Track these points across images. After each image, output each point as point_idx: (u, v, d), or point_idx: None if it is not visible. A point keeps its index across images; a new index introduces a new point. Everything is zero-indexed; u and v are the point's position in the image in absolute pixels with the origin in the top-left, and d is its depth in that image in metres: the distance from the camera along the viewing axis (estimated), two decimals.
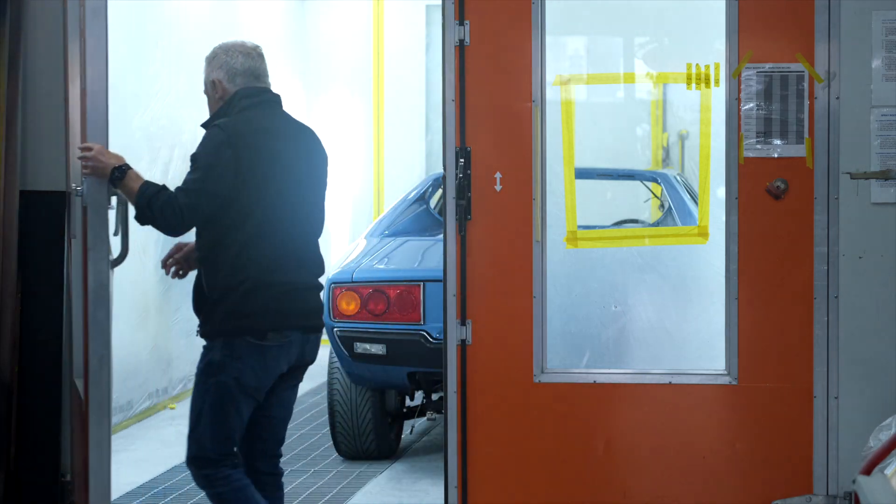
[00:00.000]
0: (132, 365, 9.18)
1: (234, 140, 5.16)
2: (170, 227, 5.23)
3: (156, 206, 5.16)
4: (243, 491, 5.20)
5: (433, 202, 9.00)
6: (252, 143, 5.17)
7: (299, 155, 5.30)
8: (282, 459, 5.56)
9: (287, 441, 8.65)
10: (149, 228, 9.61)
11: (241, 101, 5.28)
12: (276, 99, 5.37)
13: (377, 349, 7.71)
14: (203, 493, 7.38)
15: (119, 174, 5.27)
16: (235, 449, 5.28)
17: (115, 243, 5.78)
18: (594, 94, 9.12)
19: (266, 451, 5.43)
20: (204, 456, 5.21)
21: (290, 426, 9.00)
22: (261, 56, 5.36)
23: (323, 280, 5.42)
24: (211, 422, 5.19)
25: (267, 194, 5.15)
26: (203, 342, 5.30)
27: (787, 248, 5.96)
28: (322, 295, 5.41)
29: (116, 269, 8.89)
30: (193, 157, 5.27)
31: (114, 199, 5.59)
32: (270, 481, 5.46)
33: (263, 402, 5.29)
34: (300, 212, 5.26)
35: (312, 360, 5.39)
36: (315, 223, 5.34)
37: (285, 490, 7.38)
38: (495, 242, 6.01)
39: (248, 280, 5.15)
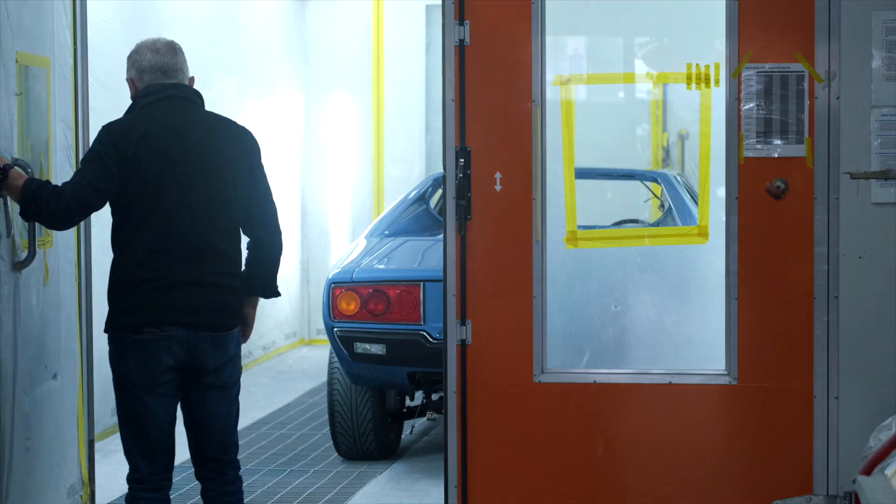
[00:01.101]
0: None
1: (116, 137, 5.15)
2: (56, 219, 5.17)
3: (41, 200, 5.10)
4: None
5: (433, 202, 9.00)
6: (135, 140, 5.14)
7: (199, 151, 5.18)
8: (241, 466, 5.44)
9: (287, 441, 8.67)
10: None
11: (143, 98, 5.26)
12: (183, 94, 5.28)
13: (377, 349, 7.71)
14: None
15: (1, 175, 5.18)
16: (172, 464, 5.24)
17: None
18: (594, 94, 9.12)
19: (205, 457, 5.31)
20: (138, 476, 5.19)
21: (290, 426, 9.06)
22: (172, 51, 5.31)
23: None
24: (129, 430, 5.20)
25: (148, 191, 5.13)
26: None
27: (787, 248, 5.96)
28: (222, 294, 5.20)
29: None
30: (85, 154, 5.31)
31: None
32: (212, 487, 5.33)
33: (187, 403, 5.25)
34: (195, 208, 5.15)
35: (219, 362, 5.20)
36: (218, 220, 5.18)
37: (286, 489, 7.40)
38: (495, 242, 6.01)
39: (125, 275, 5.18)
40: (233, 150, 5.25)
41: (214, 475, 5.34)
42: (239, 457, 7.63)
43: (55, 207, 5.10)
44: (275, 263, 5.38)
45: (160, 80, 5.27)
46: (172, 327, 5.10)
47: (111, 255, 5.39)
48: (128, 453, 5.24)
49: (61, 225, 5.25)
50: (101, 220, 8.56)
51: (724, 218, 6.00)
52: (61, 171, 6.18)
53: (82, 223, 6.38)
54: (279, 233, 5.37)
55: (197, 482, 5.38)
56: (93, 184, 5.13)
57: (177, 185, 5.14)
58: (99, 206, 5.21)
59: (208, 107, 5.50)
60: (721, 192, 6.04)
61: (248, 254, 5.36)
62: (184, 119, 5.24)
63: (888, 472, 3.75)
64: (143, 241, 5.15)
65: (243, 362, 11.51)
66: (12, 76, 5.69)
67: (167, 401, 5.17)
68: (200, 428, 5.26)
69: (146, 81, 5.28)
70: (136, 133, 5.15)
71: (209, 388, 5.21)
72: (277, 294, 5.43)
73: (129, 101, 5.37)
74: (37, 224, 5.72)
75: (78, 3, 6.35)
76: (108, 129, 5.20)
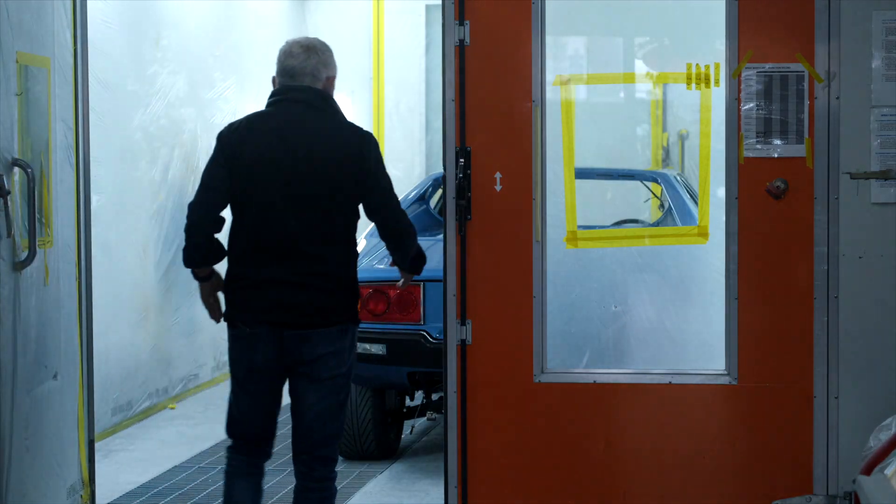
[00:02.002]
0: (132, 365, 9.19)
1: (224, 135, 5.36)
2: (190, 227, 5.39)
3: (186, 226, 5.44)
4: (228, 476, 5.42)
5: (433, 202, 9.00)
6: (238, 139, 5.31)
7: (299, 155, 5.27)
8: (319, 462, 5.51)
9: (287, 441, 8.65)
10: (147, 228, 9.65)
11: (268, 100, 5.45)
12: (299, 97, 5.36)
13: (377, 349, 7.71)
14: (203, 494, 7.40)
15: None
16: (248, 436, 5.46)
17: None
18: (594, 94, 9.11)
19: (297, 449, 5.47)
20: (229, 446, 5.50)
21: (290, 426, 9.04)
22: (306, 53, 5.41)
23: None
24: (228, 404, 5.47)
25: (245, 190, 5.28)
26: None
27: (787, 248, 5.96)
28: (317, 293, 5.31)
29: (117, 269, 8.92)
30: None
31: None
32: (299, 482, 5.47)
33: (290, 392, 5.41)
34: (288, 210, 5.26)
35: (311, 357, 5.30)
36: (312, 223, 5.27)
37: (286, 489, 7.40)
38: (495, 242, 6.01)
39: (227, 271, 5.38)
40: (339, 156, 5.30)
41: (304, 469, 5.45)
42: None
43: (187, 217, 5.37)
44: (405, 249, 5.56)
45: (287, 82, 5.39)
46: (258, 325, 5.27)
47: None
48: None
49: (197, 231, 5.37)
50: (101, 220, 8.58)
51: (724, 218, 6.00)
52: (61, 171, 6.18)
53: (83, 223, 6.38)
54: (401, 224, 5.49)
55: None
56: (205, 182, 5.36)
57: (272, 186, 5.25)
58: (219, 202, 5.34)
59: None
60: (721, 192, 6.04)
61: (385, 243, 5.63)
62: (291, 122, 5.33)
63: (888, 472, 3.75)
64: (241, 239, 5.32)
65: None
66: (12, 76, 5.69)
67: (262, 394, 5.36)
68: (295, 418, 5.42)
69: (277, 84, 5.45)
70: (243, 132, 5.33)
71: (304, 378, 5.34)
72: (417, 272, 5.66)
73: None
74: (37, 224, 5.74)
75: (78, 3, 6.35)
76: (225, 128, 5.43)
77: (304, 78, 5.37)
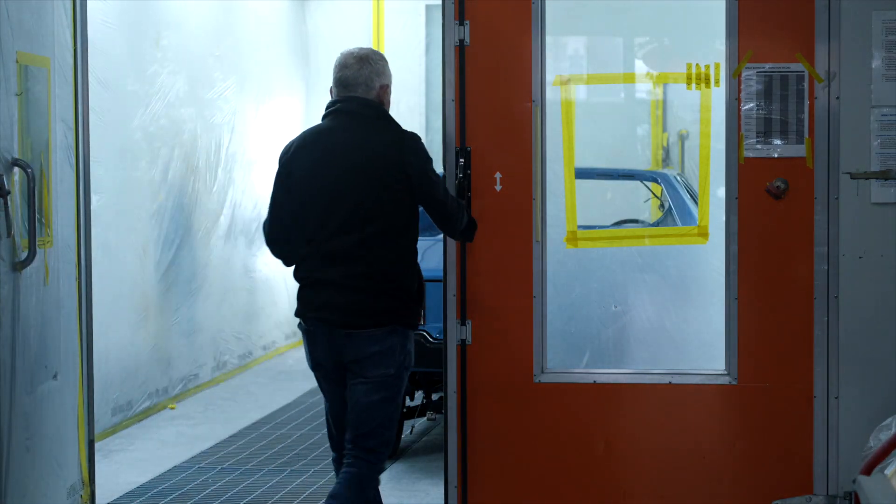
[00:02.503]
0: (132, 365, 9.19)
1: (282, 157, 5.64)
2: (265, 239, 5.76)
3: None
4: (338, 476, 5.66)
5: None
6: (292, 152, 5.60)
7: (346, 164, 5.51)
8: (352, 454, 5.61)
9: (287, 441, 8.68)
10: (147, 228, 9.65)
11: (323, 112, 5.68)
12: (348, 108, 5.58)
13: None
14: (203, 494, 7.41)
15: None
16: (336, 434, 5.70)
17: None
18: (594, 94, 9.11)
19: (348, 437, 5.60)
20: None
21: (290, 426, 9.06)
22: (360, 63, 5.61)
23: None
24: None
25: (301, 202, 5.56)
26: None
27: (787, 248, 5.96)
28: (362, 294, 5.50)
29: (116, 269, 8.92)
30: None
31: None
32: (344, 469, 5.59)
33: (347, 390, 5.62)
34: (336, 216, 5.50)
35: (357, 357, 5.50)
36: (359, 227, 5.48)
37: (286, 489, 7.40)
38: (495, 242, 6.01)
39: (295, 273, 5.69)
40: (381, 164, 5.51)
41: (354, 452, 5.59)
42: (239, 457, 7.64)
43: (264, 234, 5.74)
44: (452, 232, 5.75)
45: (342, 93, 5.63)
46: (314, 323, 5.55)
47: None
48: None
49: (272, 247, 5.74)
50: (101, 221, 8.58)
51: (724, 218, 6.00)
52: (61, 171, 6.19)
53: (83, 223, 6.39)
54: (452, 218, 5.66)
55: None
56: (271, 199, 5.67)
57: (321, 194, 5.51)
58: (284, 217, 5.62)
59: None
60: (721, 192, 6.04)
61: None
62: (337, 134, 5.56)
63: (888, 472, 3.75)
64: (301, 244, 5.59)
65: (243, 362, 11.54)
66: (12, 76, 5.70)
67: (333, 389, 5.63)
68: (347, 412, 5.60)
69: (333, 96, 5.67)
70: (296, 145, 5.61)
71: (354, 377, 5.55)
72: (469, 240, 5.93)
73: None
74: (37, 224, 5.76)
75: (78, 3, 6.35)
76: (283, 147, 5.70)
77: (357, 88, 5.60)
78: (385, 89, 5.62)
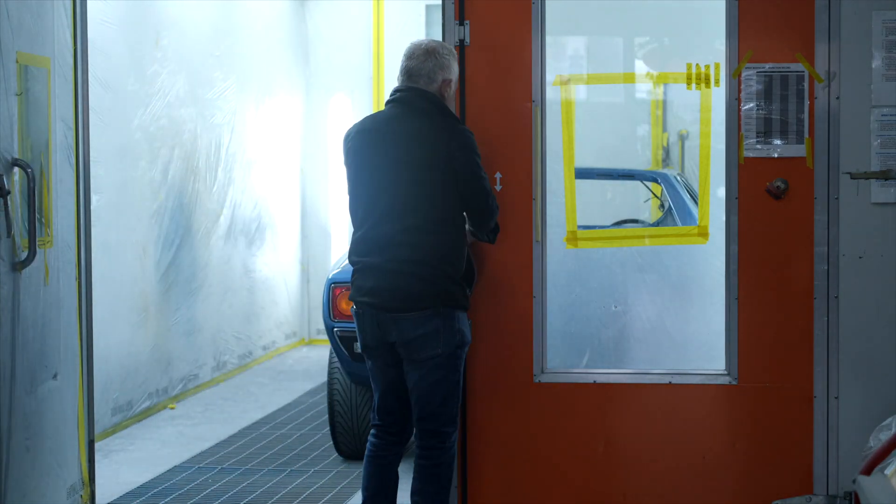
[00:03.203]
0: (132, 365, 9.19)
1: (346, 135, 5.83)
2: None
3: None
4: (367, 457, 5.86)
5: None
6: (350, 138, 5.80)
7: (393, 152, 5.68)
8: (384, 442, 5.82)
9: (287, 441, 8.67)
10: (147, 228, 9.65)
11: (386, 98, 5.88)
12: (404, 98, 5.75)
13: None
14: (203, 494, 7.40)
15: None
16: (385, 416, 5.84)
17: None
18: (594, 94, 9.12)
19: (414, 419, 5.80)
20: (374, 421, 5.93)
21: (290, 426, 9.06)
22: (425, 55, 5.75)
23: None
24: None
25: (352, 184, 5.78)
26: None
27: (787, 248, 5.96)
28: (411, 279, 5.64)
29: (116, 269, 8.92)
30: None
31: None
32: (417, 452, 5.80)
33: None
34: (382, 202, 5.68)
35: (405, 339, 5.65)
36: (403, 214, 5.64)
37: (286, 489, 7.40)
38: (495, 242, 6.00)
39: (349, 257, 5.84)
40: (426, 154, 5.66)
41: (419, 441, 5.79)
42: (239, 457, 7.63)
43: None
44: (482, 228, 5.80)
45: (405, 83, 5.78)
46: (362, 307, 5.72)
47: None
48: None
49: (356, 231, 5.85)
50: (101, 221, 8.58)
51: (724, 218, 6.00)
52: (61, 171, 6.19)
53: (83, 223, 6.39)
54: (486, 221, 5.76)
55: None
56: (347, 179, 5.85)
57: (370, 180, 5.71)
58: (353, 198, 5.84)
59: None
60: (721, 192, 6.04)
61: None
62: (392, 121, 5.74)
63: (888, 472, 3.75)
64: (354, 230, 5.80)
65: (243, 362, 11.53)
66: (12, 76, 5.69)
67: (382, 369, 5.79)
68: (409, 395, 5.78)
69: (398, 83, 5.83)
70: (353, 131, 5.80)
71: (406, 360, 5.72)
72: (491, 242, 5.92)
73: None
74: (37, 224, 5.76)
75: (78, 3, 6.35)
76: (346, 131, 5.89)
77: (419, 79, 5.74)
78: (447, 84, 5.76)
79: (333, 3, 13.10)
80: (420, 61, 5.73)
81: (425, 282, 5.63)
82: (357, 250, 5.75)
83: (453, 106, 5.89)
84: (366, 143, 5.73)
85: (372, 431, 5.88)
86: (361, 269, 5.72)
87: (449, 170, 5.61)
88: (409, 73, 5.75)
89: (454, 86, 5.79)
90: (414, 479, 5.77)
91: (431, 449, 5.73)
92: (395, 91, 5.78)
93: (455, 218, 5.68)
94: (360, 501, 5.88)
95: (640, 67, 7.45)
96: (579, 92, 6.29)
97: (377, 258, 5.67)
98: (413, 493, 5.76)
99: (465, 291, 5.74)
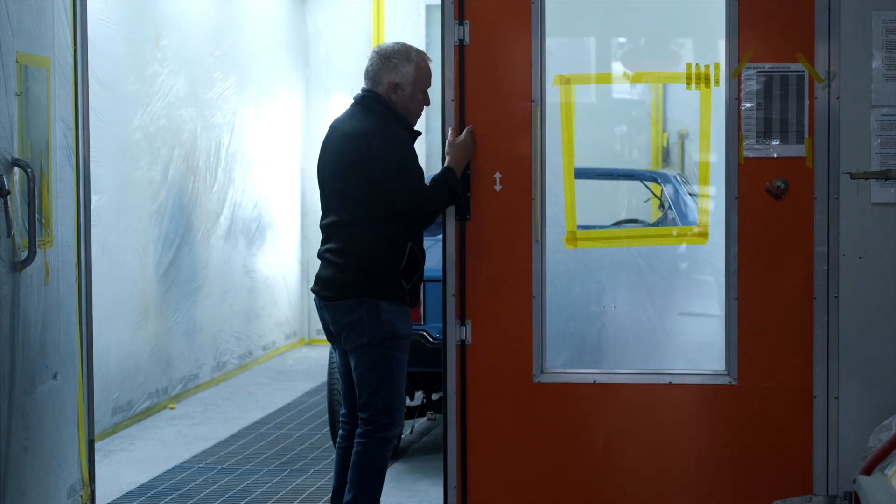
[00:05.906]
0: (132, 365, 9.19)
1: None
2: None
3: None
4: (337, 446, 6.15)
5: None
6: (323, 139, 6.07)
7: (332, 147, 5.94)
8: (366, 435, 5.89)
9: (287, 441, 8.68)
10: (147, 228, 9.64)
11: None
12: (356, 97, 6.01)
13: None
14: (203, 494, 7.41)
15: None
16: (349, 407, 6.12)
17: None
18: (594, 94, 9.12)
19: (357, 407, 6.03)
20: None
21: (290, 426, 9.06)
22: (375, 57, 5.96)
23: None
24: None
25: (318, 181, 6.03)
26: None
27: (787, 248, 5.96)
28: (342, 272, 5.83)
29: (116, 269, 8.92)
30: None
31: None
32: (354, 449, 5.94)
33: None
34: (324, 195, 5.96)
35: (337, 329, 5.88)
36: (339, 210, 5.84)
37: (286, 489, 7.41)
38: (495, 242, 6.01)
39: None
40: (356, 155, 5.81)
41: (356, 435, 5.94)
42: (239, 457, 7.64)
43: None
44: (424, 223, 5.92)
45: (365, 84, 6.01)
46: (314, 295, 6.01)
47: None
48: None
49: None
50: (101, 220, 8.58)
51: (724, 218, 6.00)
52: (61, 171, 6.19)
53: (83, 223, 6.39)
54: (415, 214, 5.84)
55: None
56: None
57: (321, 176, 5.99)
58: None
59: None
60: (721, 192, 6.04)
61: None
62: (346, 120, 5.98)
63: (888, 472, 3.75)
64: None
65: (243, 362, 11.52)
66: (12, 76, 5.70)
67: (341, 357, 6.02)
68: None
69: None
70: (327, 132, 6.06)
71: (349, 352, 5.91)
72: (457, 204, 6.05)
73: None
74: (37, 224, 5.77)
75: (78, 3, 6.35)
76: None
77: (368, 81, 5.99)
78: (394, 86, 5.89)
79: (333, 3, 13.10)
80: (371, 63, 5.98)
81: (348, 271, 5.82)
82: (321, 242, 6.04)
83: (419, 109, 5.98)
84: (325, 141, 6.00)
85: (342, 423, 6.12)
86: (319, 259, 6.00)
87: (372, 169, 5.76)
88: (367, 74, 6.00)
89: (409, 90, 5.89)
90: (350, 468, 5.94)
91: (361, 436, 5.87)
92: (359, 93, 6.01)
93: (383, 213, 5.79)
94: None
95: (641, 68, 7.44)
96: (579, 92, 6.29)
97: (320, 249, 5.97)
98: (348, 482, 5.91)
99: (399, 284, 5.81)
